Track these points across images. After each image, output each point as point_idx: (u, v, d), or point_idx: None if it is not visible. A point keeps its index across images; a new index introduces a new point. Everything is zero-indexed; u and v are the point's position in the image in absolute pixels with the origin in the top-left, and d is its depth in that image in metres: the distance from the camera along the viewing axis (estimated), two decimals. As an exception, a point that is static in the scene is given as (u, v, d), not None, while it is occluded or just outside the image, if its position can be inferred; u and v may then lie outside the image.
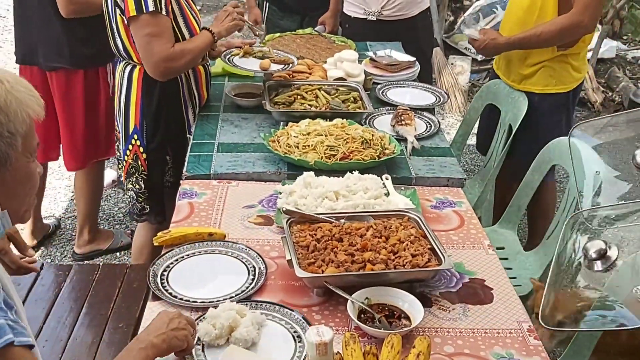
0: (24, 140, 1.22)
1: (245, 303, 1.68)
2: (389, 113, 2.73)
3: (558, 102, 2.94)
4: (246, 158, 2.39)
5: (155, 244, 1.95)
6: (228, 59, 2.85)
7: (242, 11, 2.70)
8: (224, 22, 2.64)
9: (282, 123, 2.55)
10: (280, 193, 2.14)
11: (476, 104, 3.19)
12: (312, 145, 2.30)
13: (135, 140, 2.63)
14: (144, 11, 2.35)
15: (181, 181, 2.30)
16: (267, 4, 4.12)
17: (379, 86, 3.00)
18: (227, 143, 2.49)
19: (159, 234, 1.95)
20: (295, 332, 1.61)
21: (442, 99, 2.98)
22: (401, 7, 3.67)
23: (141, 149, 2.64)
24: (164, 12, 2.39)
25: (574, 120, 4.93)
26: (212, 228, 2.00)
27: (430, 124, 2.70)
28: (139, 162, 2.65)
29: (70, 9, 2.87)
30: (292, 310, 1.67)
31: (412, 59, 3.25)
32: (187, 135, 2.63)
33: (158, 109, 2.60)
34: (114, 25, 2.49)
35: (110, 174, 4.15)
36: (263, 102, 2.65)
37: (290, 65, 2.87)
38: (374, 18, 3.71)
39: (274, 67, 2.83)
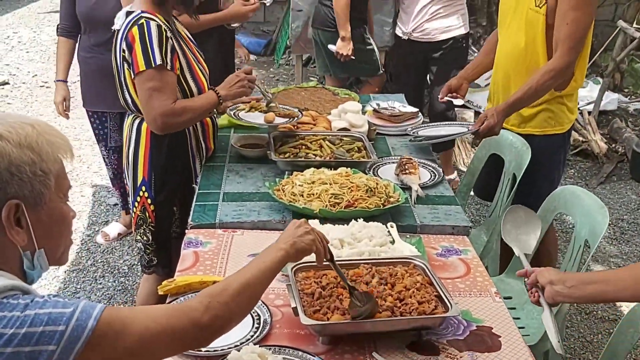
0: (57, 180, 1.25)
1: (268, 347, 1.67)
2: (393, 162, 2.75)
3: (557, 142, 2.99)
4: (251, 207, 2.40)
5: (160, 292, 1.94)
6: (234, 113, 2.91)
7: (254, 77, 2.70)
8: (233, 87, 2.63)
9: (286, 172, 2.57)
10: (285, 241, 2.13)
11: (480, 154, 3.21)
12: (316, 193, 2.31)
13: (143, 192, 2.65)
14: (152, 66, 2.39)
15: (186, 230, 2.30)
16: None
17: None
18: (233, 192, 2.51)
19: (164, 282, 1.95)
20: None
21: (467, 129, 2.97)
22: (428, 33, 4.41)
23: (149, 201, 2.65)
24: (169, 67, 2.42)
25: (579, 170, 4.96)
26: (217, 277, 1.99)
27: (434, 172, 2.72)
28: (147, 214, 2.66)
29: None
30: (314, 356, 1.64)
31: (415, 110, 3.29)
32: (194, 186, 2.64)
33: (166, 161, 2.62)
34: (123, 80, 2.52)
35: (115, 227, 4.16)
36: (268, 152, 2.67)
37: (295, 118, 2.92)
38: (406, 37, 4.47)
39: (278, 120, 2.88)
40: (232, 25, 3.55)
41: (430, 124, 3.25)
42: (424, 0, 4.35)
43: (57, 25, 3.76)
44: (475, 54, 4.89)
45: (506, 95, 3.07)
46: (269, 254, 1.55)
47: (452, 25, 4.42)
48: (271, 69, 7.80)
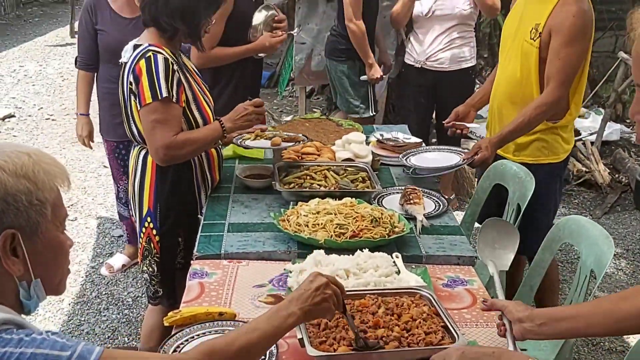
0: (53, 209, 1.25)
1: None
2: (398, 192, 2.76)
3: (552, 171, 3.04)
4: (256, 237, 2.40)
5: (166, 324, 1.93)
6: (240, 142, 2.92)
7: (262, 110, 2.70)
8: (239, 119, 2.64)
9: (291, 203, 2.57)
10: (291, 272, 2.13)
11: (484, 184, 3.21)
12: (321, 223, 2.32)
13: (149, 223, 2.66)
14: (159, 98, 2.42)
15: (192, 261, 2.30)
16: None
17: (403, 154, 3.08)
18: (238, 223, 2.51)
19: (170, 313, 1.94)
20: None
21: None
22: (442, 62, 4.53)
23: (154, 232, 2.66)
24: (175, 100, 2.45)
25: (582, 201, 4.96)
26: (223, 307, 1.99)
27: (438, 202, 2.72)
28: (152, 245, 2.66)
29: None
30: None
31: (419, 140, 3.31)
32: (199, 217, 2.65)
33: (171, 192, 2.64)
34: (129, 111, 2.56)
35: (119, 259, 4.15)
36: (273, 182, 2.68)
37: (300, 142, 2.94)
38: (419, 65, 4.58)
39: (285, 144, 2.90)
40: (260, 55, 3.63)
41: (421, 149, 3.21)
42: (439, 29, 4.46)
43: (76, 58, 3.79)
44: (478, 85, 4.95)
45: (501, 122, 3.13)
46: (279, 316, 1.48)
47: (463, 56, 4.57)
48: (275, 101, 7.85)
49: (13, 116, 7.12)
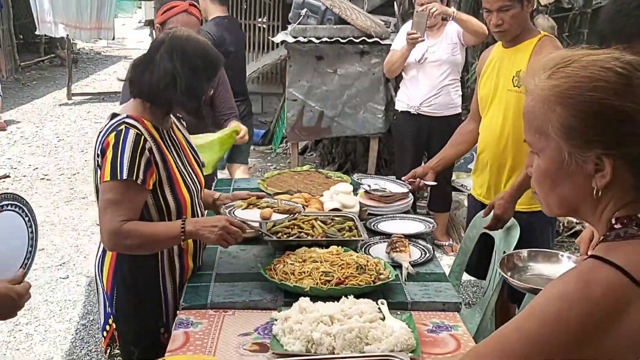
0: None
1: None
2: (384, 241, 2.78)
3: (545, 219, 3.03)
4: (243, 287, 2.40)
5: (149, 373, 1.91)
6: (230, 211, 2.63)
7: (238, 234, 2.36)
8: (204, 227, 2.31)
9: (277, 252, 2.59)
10: (276, 320, 2.14)
11: (470, 234, 3.24)
12: (307, 271, 2.33)
13: (107, 307, 2.47)
14: (117, 178, 2.20)
15: (178, 312, 2.30)
16: None
17: (370, 220, 3.06)
18: (225, 273, 2.52)
19: (154, 362, 1.93)
20: None
21: (431, 226, 3.02)
22: (435, 108, 4.85)
23: (110, 319, 2.48)
24: (140, 182, 2.22)
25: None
26: (206, 356, 1.99)
27: (424, 250, 2.74)
28: (113, 334, 2.49)
29: None
30: None
31: (406, 190, 3.35)
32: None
33: (130, 278, 2.44)
34: (98, 183, 2.34)
35: None
36: (260, 232, 2.69)
37: (296, 214, 2.64)
38: (414, 112, 4.88)
39: (277, 216, 2.61)
40: None
41: (391, 215, 3.13)
42: (432, 74, 4.79)
43: None
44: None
45: (498, 176, 3.15)
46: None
47: (454, 103, 4.90)
48: (269, 158, 7.93)
49: (8, 176, 7.17)
